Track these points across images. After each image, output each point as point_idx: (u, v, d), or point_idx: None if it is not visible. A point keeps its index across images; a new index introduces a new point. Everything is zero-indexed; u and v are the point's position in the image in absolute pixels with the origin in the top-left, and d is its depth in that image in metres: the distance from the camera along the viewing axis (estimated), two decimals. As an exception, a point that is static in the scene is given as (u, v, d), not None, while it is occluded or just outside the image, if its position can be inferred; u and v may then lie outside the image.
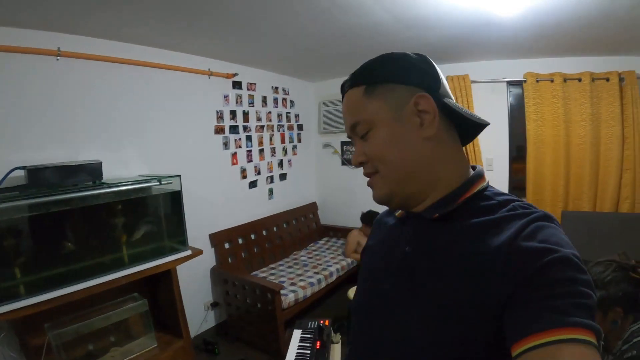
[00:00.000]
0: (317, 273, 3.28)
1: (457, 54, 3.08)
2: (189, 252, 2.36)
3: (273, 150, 3.74)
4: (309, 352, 1.89)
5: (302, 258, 3.70)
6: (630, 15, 2.07)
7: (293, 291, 2.87)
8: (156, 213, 2.36)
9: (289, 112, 3.97)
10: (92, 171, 2.02)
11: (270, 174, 3.72)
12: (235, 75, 3.11)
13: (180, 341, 2.31)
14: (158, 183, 2.23)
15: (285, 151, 3.93)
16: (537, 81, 3.10)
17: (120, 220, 2.12)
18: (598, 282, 1.33)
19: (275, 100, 3.75)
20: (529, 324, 0.45)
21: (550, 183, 3.15)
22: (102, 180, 2.05)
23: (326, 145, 4.40)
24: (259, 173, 3.56)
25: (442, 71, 0.66)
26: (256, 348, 2.86)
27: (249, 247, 3.36)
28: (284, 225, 3.87)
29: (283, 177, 3.91)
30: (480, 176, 0.64)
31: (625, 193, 2.92)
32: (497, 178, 3.40)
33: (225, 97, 3.13)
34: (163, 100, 2.63)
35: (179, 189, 2.35)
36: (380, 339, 0.63)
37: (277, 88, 3.76)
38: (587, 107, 2.95)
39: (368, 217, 3.57)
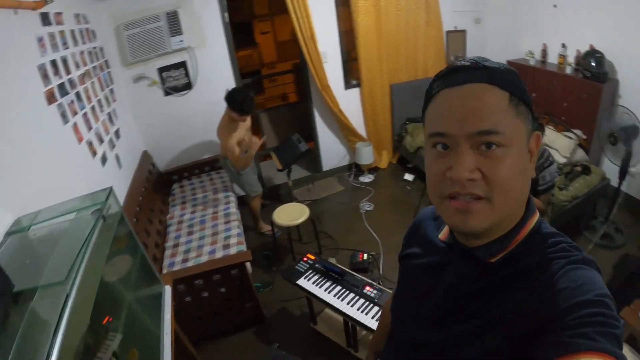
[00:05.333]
0: (227, 222, 3.04)
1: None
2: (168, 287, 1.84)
3: (100, 103, 2.69)
4: (372, 293, 2.04)
5: (186, 217, 3.24)
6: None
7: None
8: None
9: (95, 47, 2.79)
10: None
11: (109, 136, 2.75)
12: (47, 3, 1.88)
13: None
14: (102, 220, 1.33)
15: (107, 100, 2.88)
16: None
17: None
18: None
19: (81, 33, 2.53)
20: (556, 349, 0.47)
21: (377, 64, 3.99)
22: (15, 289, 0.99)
23: (139, 78, 3.45)
24: (101, 141, 2.57)
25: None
26: (236, 331, 2.62)
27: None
28: (143, 190, 3.11)
29: (117, 134, 2.95)
30: (532, 213, 0.61)
31: (430, 63, 4.16)
32: (332, 69, 3.90)
33: (40, 41, 1.90)
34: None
35: (118, 209, 1.56)
36: (422, 351, 0.68)
37: (78, 16, 2.50)
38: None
39: (235, 102, 2.90)
